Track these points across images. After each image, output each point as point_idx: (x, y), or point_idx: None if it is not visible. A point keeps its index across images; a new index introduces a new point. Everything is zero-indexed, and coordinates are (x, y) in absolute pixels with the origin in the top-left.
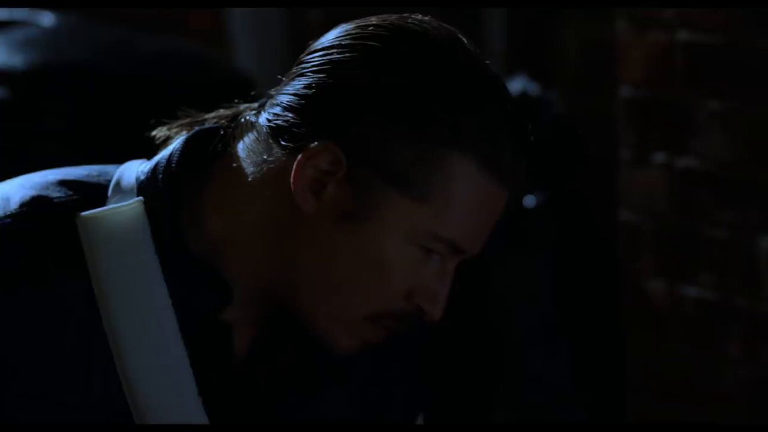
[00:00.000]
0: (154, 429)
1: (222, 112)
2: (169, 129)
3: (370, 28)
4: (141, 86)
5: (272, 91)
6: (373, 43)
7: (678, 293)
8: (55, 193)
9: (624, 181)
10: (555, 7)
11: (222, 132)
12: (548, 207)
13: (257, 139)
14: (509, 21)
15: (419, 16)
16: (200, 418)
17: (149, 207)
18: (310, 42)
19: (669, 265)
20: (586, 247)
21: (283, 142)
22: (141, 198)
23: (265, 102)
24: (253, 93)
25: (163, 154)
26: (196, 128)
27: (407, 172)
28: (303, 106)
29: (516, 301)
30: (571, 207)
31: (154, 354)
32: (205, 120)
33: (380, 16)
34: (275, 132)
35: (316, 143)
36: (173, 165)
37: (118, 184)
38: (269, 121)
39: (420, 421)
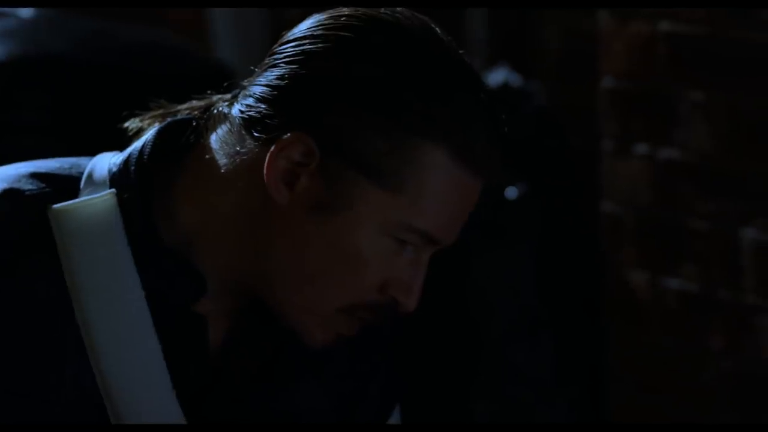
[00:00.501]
0: (135, 429)
1: (195, 103)
2: (141, 120)
3: (343, 18)
4: (119, 77)
5: (245, 83)
6: (346, 33)
7: (660, 285)
8: (27, 186)
9: (606, 173)
10: (536, 7)
11: (195, 123)
12: (530, 198)
13: (230, 130)
14: (491, 12)
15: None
16: (174, 410)
17: (121, 199)
18: (283, 33)
19: (651, 256)
20: (568, 238)
21: (255, 134)
22: (113, 190)
23: (238, 93)
24: (226, 84)
25: (136, 145)
26: (169, 120)
27: (380, 163)
28: (276, 97)
29: (497, 293)
30: (553, 199)
31: (127, 346)
32: (178, 111)
33: (352, 7)
34: (248, 123)
35: (288, 134)
36: (145, 157)
37: (90, 176)
38: (242, 112)
39: (396, 412)
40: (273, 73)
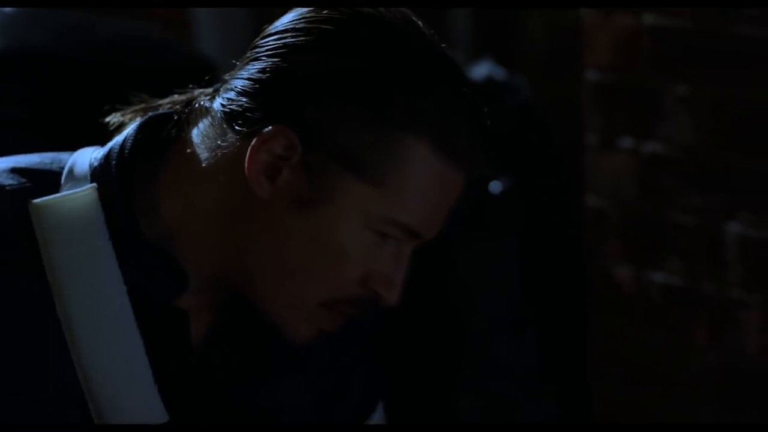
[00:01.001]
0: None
1: (176, 97)
2: (122, 115)
3: (325, 12)
4: (100, 71)
5: (227, 76)
6: (328, 27)
7: (645, 279)
8: (7, 181)
9: (590, 166)
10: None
11: (176, 118)
12: (514, 193)
13: (211, 124)
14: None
15: None
16: (156, 405)
17: (102, 193)
18: (265, 26)
19: (636, 250)
20: (553, 232)
21: (237, 127)
22: (94, 185)
23: (220, 87)
24: (207, 78)
25: (117, 140)
26: (150, 114)
27: (362, 156)
28: (257, 90)
29: (482, 287)
30: (537, 192)
31: (109, 341)
32: (159, 106)
33: None
34: (229, 117)
35: (270, 128)
36: (126, 151)
37: (71, 171)
38: (223, 106)
39: (380, 408)
40: (255, 67)
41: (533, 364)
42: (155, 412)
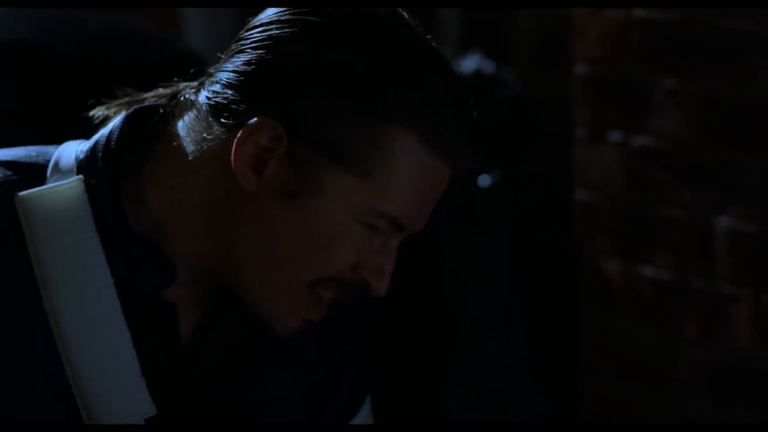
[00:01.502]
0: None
1: (161, 90)
2: (107, 108)
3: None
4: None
5: (212, 69)
6: (313, 18)
7: (634, 273)
8: None
9: (580, 160)
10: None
11: (162, 111)
12: (503, 186)
13: (197, 117)
14: None
15: None
16: (144, 399)
17: (89, 186)
18: (250, 18)
19: (625, 244)
20: (542, 226)
21: (222, 120)
22: (81, 177)
23: (205, 80)
24: (193, 71)
25: (102, 132)
26: (135, 107)
27: (349, 148)
28: (242, 82)
29: (472, 281)
30: (526, 186)
31: (96, 334)
32: (144, 99)
33: None
34: (215, 109)
35: (255, 120)
36: (113, 143)
37: (57, 164)
38: (209, 98)
39: (368, 402)
40: (240, 59)
41: (523, 358)
42: (143, 405)
